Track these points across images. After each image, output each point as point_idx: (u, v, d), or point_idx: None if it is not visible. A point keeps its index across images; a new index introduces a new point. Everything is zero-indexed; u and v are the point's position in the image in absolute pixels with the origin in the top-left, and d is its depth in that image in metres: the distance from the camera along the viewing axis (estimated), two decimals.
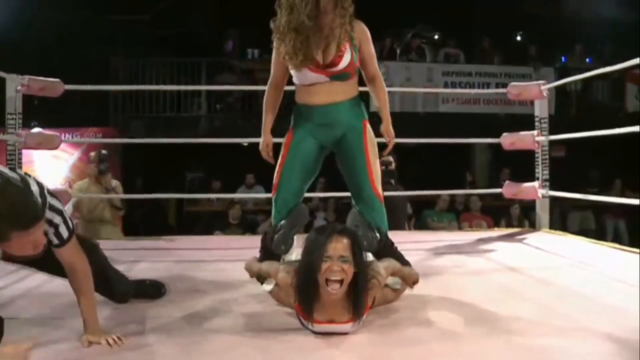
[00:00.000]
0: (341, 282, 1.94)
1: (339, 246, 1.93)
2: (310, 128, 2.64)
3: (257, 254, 2.62)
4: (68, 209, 7.81)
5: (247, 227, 7.91)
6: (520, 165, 5.86)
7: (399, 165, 5.43)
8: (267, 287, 2.31)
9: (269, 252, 2.54)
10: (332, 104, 2.60)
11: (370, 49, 2.69)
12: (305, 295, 1.99)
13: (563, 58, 11.37)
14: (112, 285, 2.38)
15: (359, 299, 1.99)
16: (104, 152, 5.76)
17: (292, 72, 2.64)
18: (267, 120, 2.78)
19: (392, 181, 5.24)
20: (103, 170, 5.59)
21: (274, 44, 2.64)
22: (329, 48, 2.55)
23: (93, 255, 2.19)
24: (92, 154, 5.87)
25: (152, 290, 2.59)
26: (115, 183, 5.75)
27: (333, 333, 2.01)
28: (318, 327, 2.02)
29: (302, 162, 2.65)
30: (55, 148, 4.52)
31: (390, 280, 2.30)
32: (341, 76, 2.58)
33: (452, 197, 8.59)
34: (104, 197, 5.51)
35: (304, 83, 2.62)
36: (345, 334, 2.03)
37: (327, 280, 1.94)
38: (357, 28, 2.62)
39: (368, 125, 2.68)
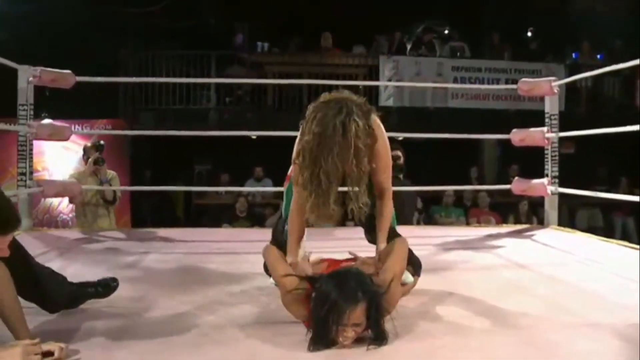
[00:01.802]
0: (353, 339, 1.93)
1: (355, 315, 1.88)
2: None
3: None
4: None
5: (255, 219, 7.93)
6: (530, 161, 5.84)
7: (407, 160, 5.42)
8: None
9: (280, 243, 2.55)
10: None
11: (381, 151, 2.28)
12: (318, 340, 1.93)
13: (574, 54, 11.30)
14: (45, 291, 2.08)
15: (378, 334, 1.94)
16: (102, 142, 5.45)
17: None
18: (292, 243, 2.35)
19: (400, 176, 5.23)
20: (100, 160, 5.27)
21: (297, 170, 2.25)
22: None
23: (18, 254, 1.92)
24: (88, 143, 5.59)
25: (100, 288, 2.31)
26: (111, 174, 5.46)
27: None
28: None
29: None
30: (66, 139, 4.54)
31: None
32: None
33: (460, 193, 8.58)
34: (96, 188, 5.21)
35: None
36: None
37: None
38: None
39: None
